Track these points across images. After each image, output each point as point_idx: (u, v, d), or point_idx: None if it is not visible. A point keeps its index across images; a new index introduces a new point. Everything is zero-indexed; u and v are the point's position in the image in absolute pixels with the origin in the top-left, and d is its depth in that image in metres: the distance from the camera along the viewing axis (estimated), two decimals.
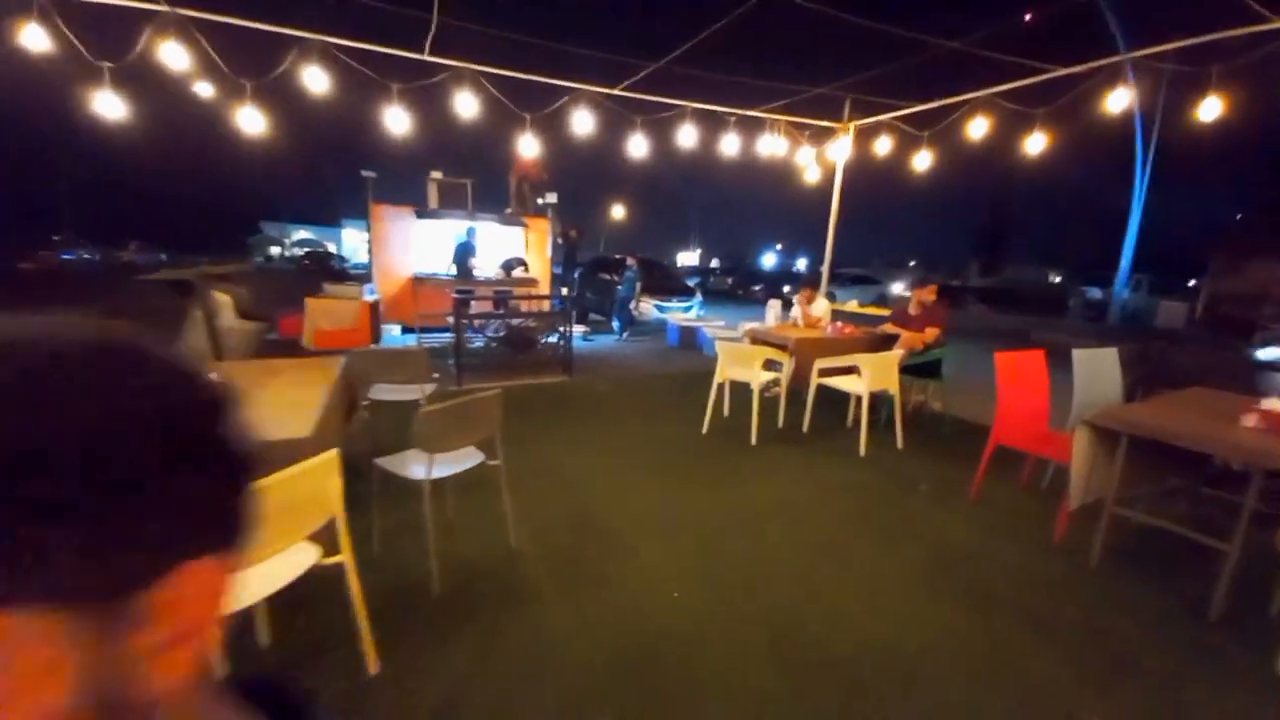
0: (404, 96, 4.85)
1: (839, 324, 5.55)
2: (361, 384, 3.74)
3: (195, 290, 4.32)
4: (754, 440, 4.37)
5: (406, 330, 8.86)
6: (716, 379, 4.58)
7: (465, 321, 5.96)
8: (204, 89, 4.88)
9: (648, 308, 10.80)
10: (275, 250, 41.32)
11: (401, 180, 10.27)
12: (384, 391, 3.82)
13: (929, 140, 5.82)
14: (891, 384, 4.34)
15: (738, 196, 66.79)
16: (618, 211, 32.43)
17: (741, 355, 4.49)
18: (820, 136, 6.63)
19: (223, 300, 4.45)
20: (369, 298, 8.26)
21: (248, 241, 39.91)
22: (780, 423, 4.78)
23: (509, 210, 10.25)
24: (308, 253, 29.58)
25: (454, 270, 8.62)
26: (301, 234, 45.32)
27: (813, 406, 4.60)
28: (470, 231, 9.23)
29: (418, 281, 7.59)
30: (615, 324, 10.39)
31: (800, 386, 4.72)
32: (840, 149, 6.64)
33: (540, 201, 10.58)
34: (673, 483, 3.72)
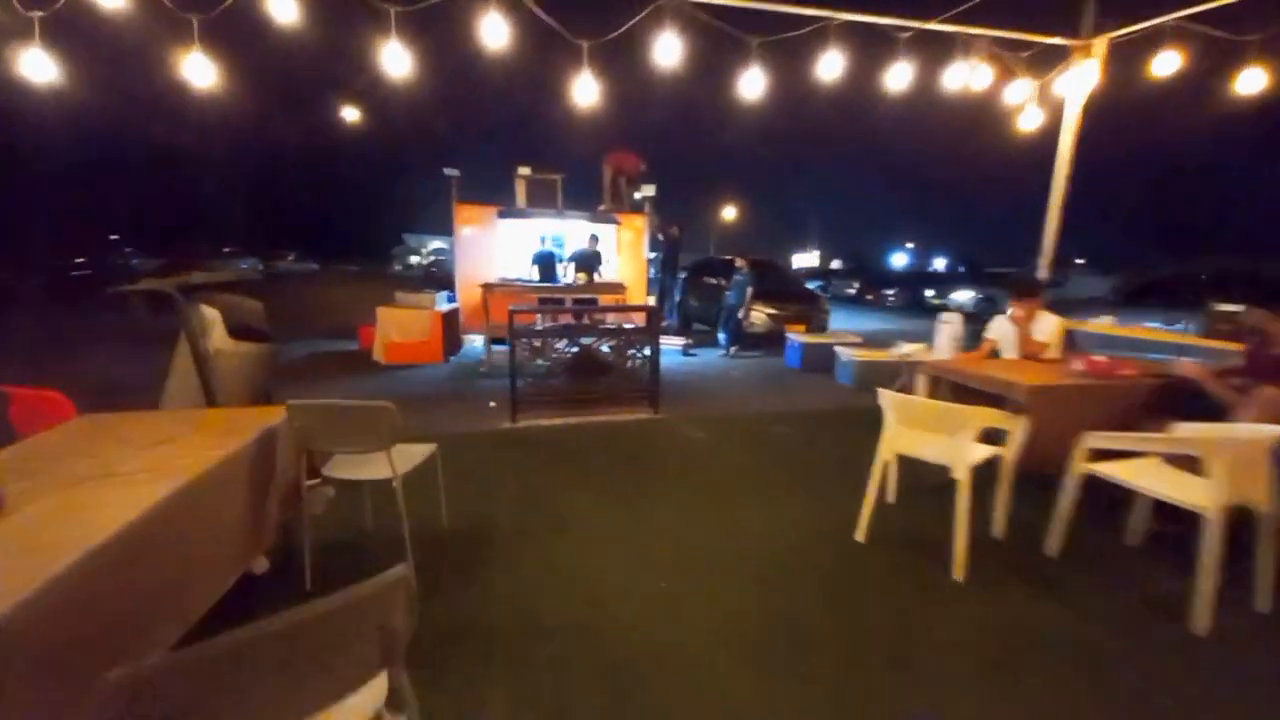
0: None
1: (1092, 356, 3.29)
2: (319, 451, 2.36)
3: (174, 304, 3.29)
4: (957, 572, 2.41)
5: (496, 342, 7.80)
6: (882, 453, 2.67)
7: (525, 339, 4.54)
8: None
9: (760, 318, 8.84)
10: (414, 259, 44.54)
11: (490, 178, 9.32)
12: (344, 465, 2.41)
13: (1256, 50, 3.36)
14: (1262, 492, 2.14)
15: (862, 187, 61.19)
16: (727, 212, 30.32)
17: (932, 417, 2.53)
18: (1039, 63, 4.34)
19: (210, 316, 3.41)
20: (445, 306, 7.24)
21: (391, 252, 43.24)
22: (995, 529, 2.74)
23: (601, 207, 8.87)
24: (432, 261, 31.11)
25: (535, 275, 7.37)
26: (436, 244, 48.36)
27: (1071, 514, 2.52)
28: (555, 241, 7.98)
29: (488, 289, 6.37)
30: (721, 336, 8.59)
31: (1038, 469, 2.66)
32: (1078, 79, 4.29)
33: (637, 196, 9.09)
34: (817, 664, 1.91)
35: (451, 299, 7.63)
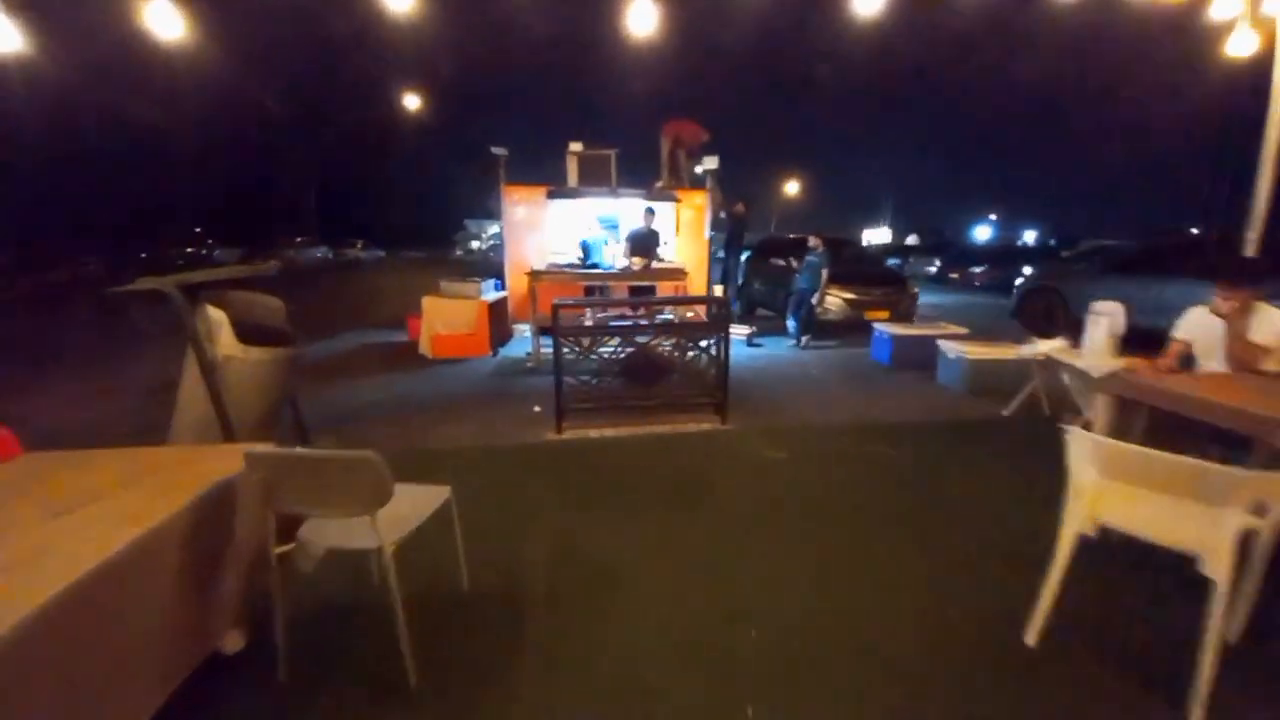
0: None
1: None
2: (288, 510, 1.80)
3: (174, 304, 2.86)
4: (1197, 713, 1.57)
5: (545, 333, 7.28)
6: (1075, 522, 1.82)
7: (570, 338, 3.91)
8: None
9: (837, 303, 7.82)
10: (475, 244, 45.31)
11: (542, 158, 8.72)
12: (323, 529, 1.84)
13: None
14: None
15: (939, 153, 56.47)
16: (790, 187, 28.49)
17: (1173, 476, 1.66)
18: None
19: (215, 318, 2.98)
20: (492, 295, 6.74)
21: (453, 237, 44.15)
22: (1232, 631, 1.86)
23: (658, 183, 8.07)
24: (491, 245, 31.36)
25: (585, 259, 6.72)
26: (495, 229, 49.04)
27: None
28: (608, 223, 7.29)
29: (535, 277, 5.77)
30: (790, 324, 7.67)
31: None
32: None
33: (698, 169, 8.22)
34: None
35: (500, 287, 7.14)
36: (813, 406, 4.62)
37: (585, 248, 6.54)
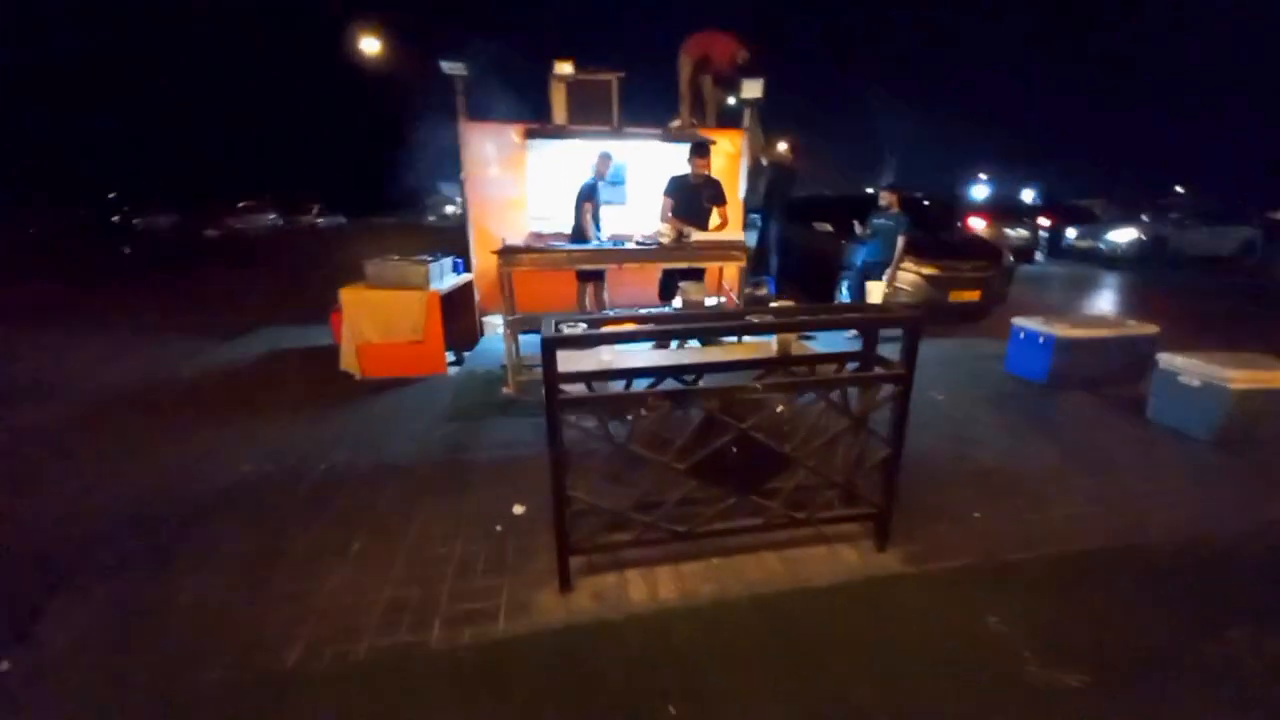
0: None
1: None
2: None
3: None
4: None
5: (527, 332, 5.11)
6: None
7: (581, 408, 1.81)
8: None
9: (914, 280, 5.81)
10: (450, 209, 41.90)
11: (516, 84, 6.35)
12: None
13: None
14: None
15: (931, 108, 53.61)
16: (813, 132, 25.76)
17: None
18: None
19: None
20: (447, 282, 4.57)
21: (425, 202, 40.67)
22: None
23: (675, 122, 5.82)
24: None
25: (586, 227, 4.52)
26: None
27: None
28: (614, 177, 5.03)
29: (507, 257, 3.51)
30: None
31: None
32: None
33: (731, 100, 5.99)
34: None
35: (461, 268, 4.94)
36: (1006, 491, 2.64)
37: (588, 193, 4.40)
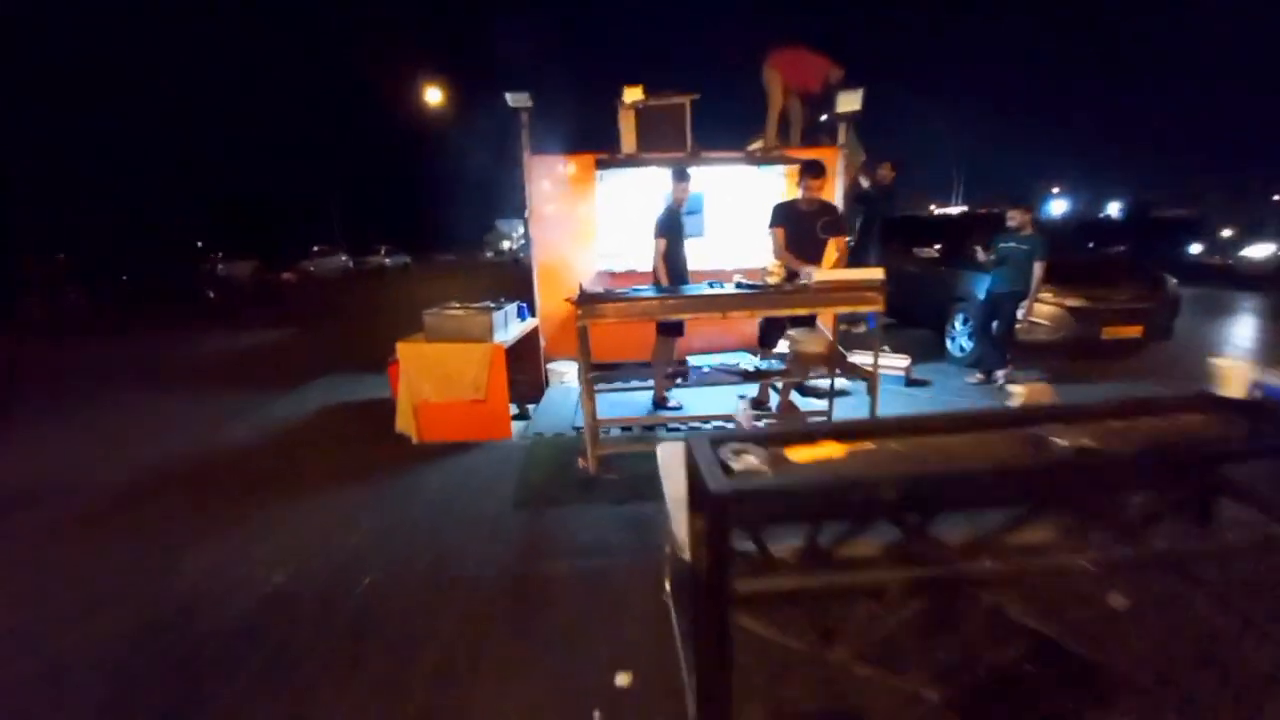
0: None
1: None
2: None
3: None
4: None
5: (599, 369, 4.34)
6: None
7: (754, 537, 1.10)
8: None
9: (1054, 313, 4.84)
10: (506, 245, 43.10)
11: (582, 114, 5.95)
12: None
13: None
14: None
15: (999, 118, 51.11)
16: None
17: None
18: None
19: None
20: (511, 332, 4.04)
21: (484, 239, 42.02)
22: None
23: (757, 143, 5.18)
24: (522, 245, 28.98)
25: (661, 266, 3.88)
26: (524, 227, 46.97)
27: None
28: (691, 205, 4.41)
29: (586, 305, 2.88)
30: (965, 348, 4.80)
31: None
32: None
33: (824, 118, 5.32)
34: None
35: (524, 313, 4.42)
36: None
37: (665, 226, 3.74)
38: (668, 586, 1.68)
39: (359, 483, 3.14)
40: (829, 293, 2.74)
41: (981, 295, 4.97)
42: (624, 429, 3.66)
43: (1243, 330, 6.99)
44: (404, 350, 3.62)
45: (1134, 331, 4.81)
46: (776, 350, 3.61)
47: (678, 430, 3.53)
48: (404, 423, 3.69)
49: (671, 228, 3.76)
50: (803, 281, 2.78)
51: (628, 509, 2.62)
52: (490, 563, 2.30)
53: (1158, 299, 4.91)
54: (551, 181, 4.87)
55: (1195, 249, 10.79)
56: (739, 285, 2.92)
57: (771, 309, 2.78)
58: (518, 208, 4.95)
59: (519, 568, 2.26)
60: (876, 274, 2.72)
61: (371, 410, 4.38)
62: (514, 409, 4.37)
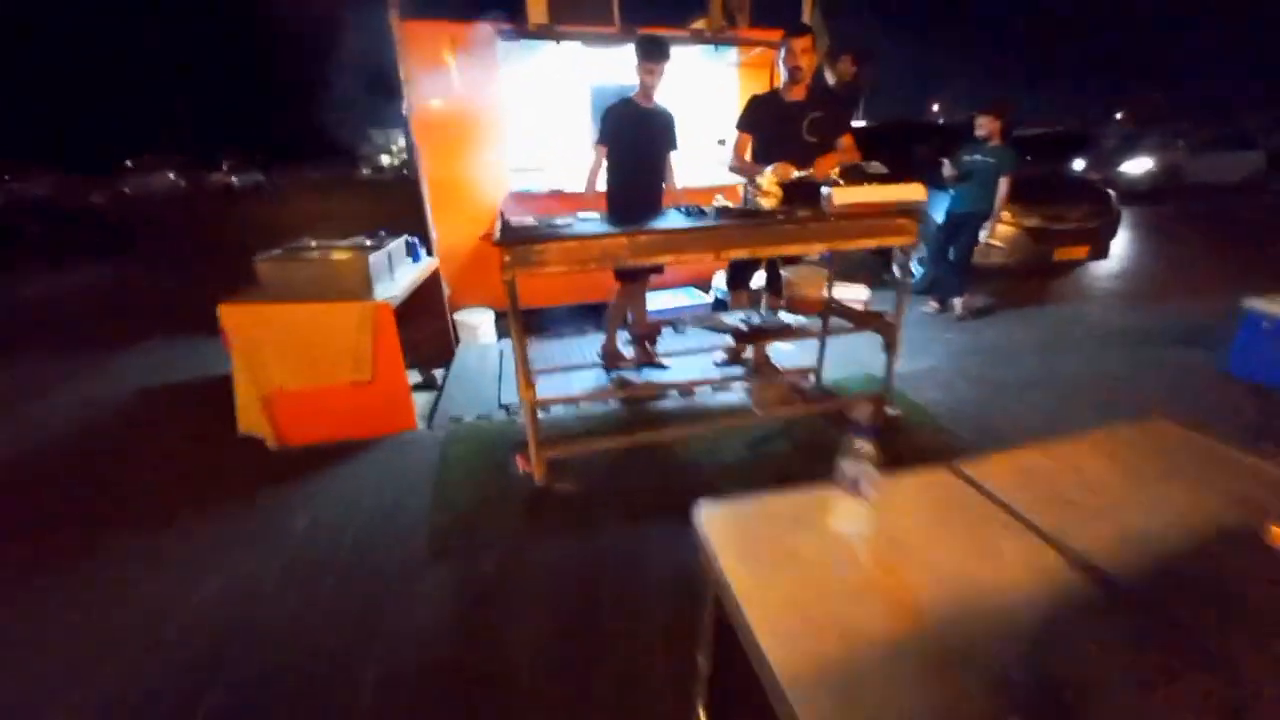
0: None
1: None
2: None
3: None
4: None
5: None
6: None
7: None
8: None
9: (1008, 233, 4.51)
10: (385, 159, 37.56)
11: None
12: None
13: None
14: None
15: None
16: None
17: None
18: None
19: None
20: (403, 279, 2.92)
21: (358, 153, 36.34)
22: None
23: (700, 21, 4.06)
24: (404, 161, 24.90)
25: (592, 184, 2.87)
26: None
27: None
28: (657, 81, 3.32)
29: (511, 248, 1.89)
30: (920, 274, 4.45)
31: None
32: None
33: None
34: None
35: (416, 252, 3.23)
36: None
37: (620, 127, 2.69)
38: None
39: (188, 523, 2.07)
40: (855, 220, 1.97)
41: (938, 216, 4.52)
42: (573, 407, 2.80)
43: (1142, 247, 7.33)
44: (235, 316, 2.40)
45: (1081, 253, 4.64)
46: (752, 288, 2.85)
47: (655, 404, 2.72)
48: (250, 421, 2.55)
49: (621, 132, 2.70)
50: (824, 206, 1.97)
51: (606, 543, 1.85)
52: (399, 683, 1.45)
53: (1107, 218, 4.73)
54: (437, 61, 3.50)
55: (1079, 165, 11.26)
56: (725, 212, 2.06)
57: (777, 245, 1.96)
58: (400, 114, 3.56)
59: (449, 689, 1.44)
60: (916, 192, 1.98)
61: (209, 394, 3.12)
62: (415, 376, 3.34)
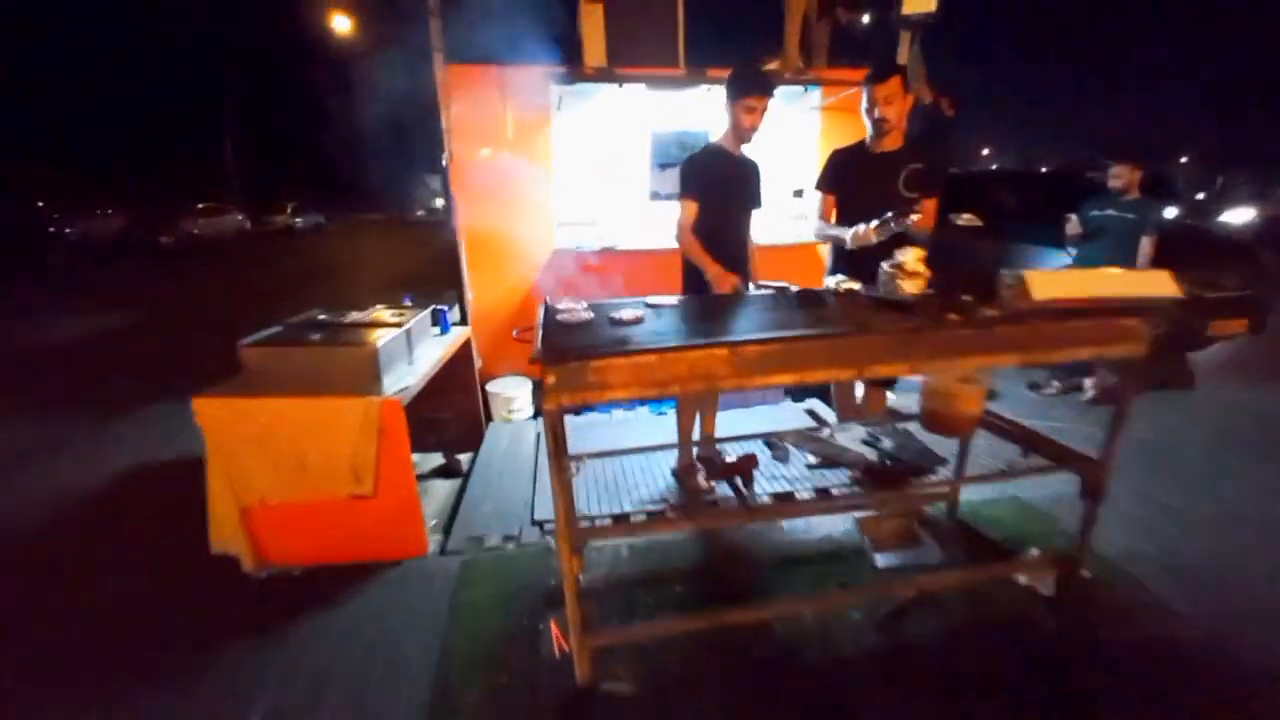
0: None
1: None
2: None
3: None
4: None
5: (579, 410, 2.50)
6: None
7: None
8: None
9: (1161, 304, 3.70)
10: (439, 202, 39.20)
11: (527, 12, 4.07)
12: None
13: None
14: None
15: None
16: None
17: None
18: None
19: None
20: (423, 360, 2.39)
21: (413, 195, 38.17)
22: None
23: (774, 63, 3.55)
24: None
25: (695, 247, 2.30)
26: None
27: None
28: (682, 143, 2.86)
29: (556, 360, 1.32)
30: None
31: None
32: None
33: (865, 20, 3.77)
34: None
35: (444, 321, 2.73)
36: None
37: (710, 177, 2.09)
38: None
39: (136, 673, 1.52)
40: (1066, 323, 1.31)
41: None
42: (626, 518, 2.16)
43: None
44: (212, 412, 1.91)
45: (1240, 326, 3.74)
46: (864, 401, 2.21)
47: (736, 535, 2.03)
48: (224, 536, 2.03)
49: (712, 182, 2.12)
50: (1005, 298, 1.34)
51: None
52: None
53: (1263, 283, 3.87)
54: (481, 107, 3.11)
55: (1170, 213, 10.14)
56: (855, 303, 1.44)
57: (948, 358, 1.31)
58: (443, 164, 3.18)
59: None
60: (1164, 284, 1.32)
61: (196, 481, 2.65)
62: (436, 459, 2.82)
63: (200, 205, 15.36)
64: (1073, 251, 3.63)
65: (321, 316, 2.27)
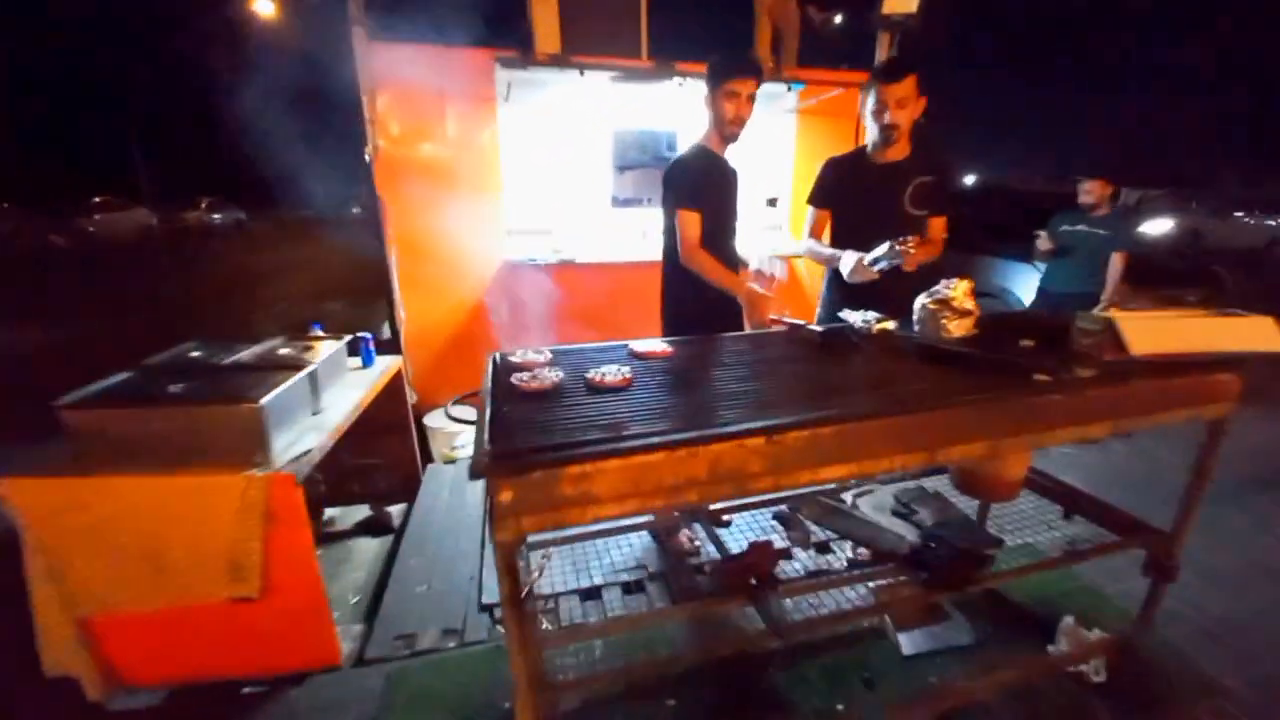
0: None
1: None
2: None
3: None
4: None
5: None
6: None
7: None
8: None
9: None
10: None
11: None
12: None
13: None
14: None
15: None
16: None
17: None
18: None
19: None
20: (337, 405, 1.89)
21: (352, 192, 36.01)
22: None
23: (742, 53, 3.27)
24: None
25: (716, 271, 1.89)
26: None
27: None
28: (660, 146, 2.51)
29: (510, 468, 0.91)
30: None
31: None
32: None
33: (838, 20, 3.52)
34: None
35: (368, 354, 2.24)
36: None
37: (706, 181, 1.73)
38: None
39: None
40: (1167, 381, 1.04)
41: (1021, 294, 3.79)
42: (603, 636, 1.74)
43: None
44: (26, 499, 1.36)
45: None
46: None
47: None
48: (59, 657, 1.47)
49: (712, 189, 1.76)
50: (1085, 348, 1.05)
51: None
52: None
53: (1229, 305, 3.94)
54: (413, 94, 2.62)
55: (1160, 228, 10.49)
56: (894, 336, 1.12)
57: (1036, 431, 1.00)
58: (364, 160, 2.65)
59: None
60: (1270, 336, 1.06)
61: None
62: (363, 511, 2.34)
63: (96, 199, 13.53)
64: (1041, 267, 3.57)
65: (195, 353, 1.73)
